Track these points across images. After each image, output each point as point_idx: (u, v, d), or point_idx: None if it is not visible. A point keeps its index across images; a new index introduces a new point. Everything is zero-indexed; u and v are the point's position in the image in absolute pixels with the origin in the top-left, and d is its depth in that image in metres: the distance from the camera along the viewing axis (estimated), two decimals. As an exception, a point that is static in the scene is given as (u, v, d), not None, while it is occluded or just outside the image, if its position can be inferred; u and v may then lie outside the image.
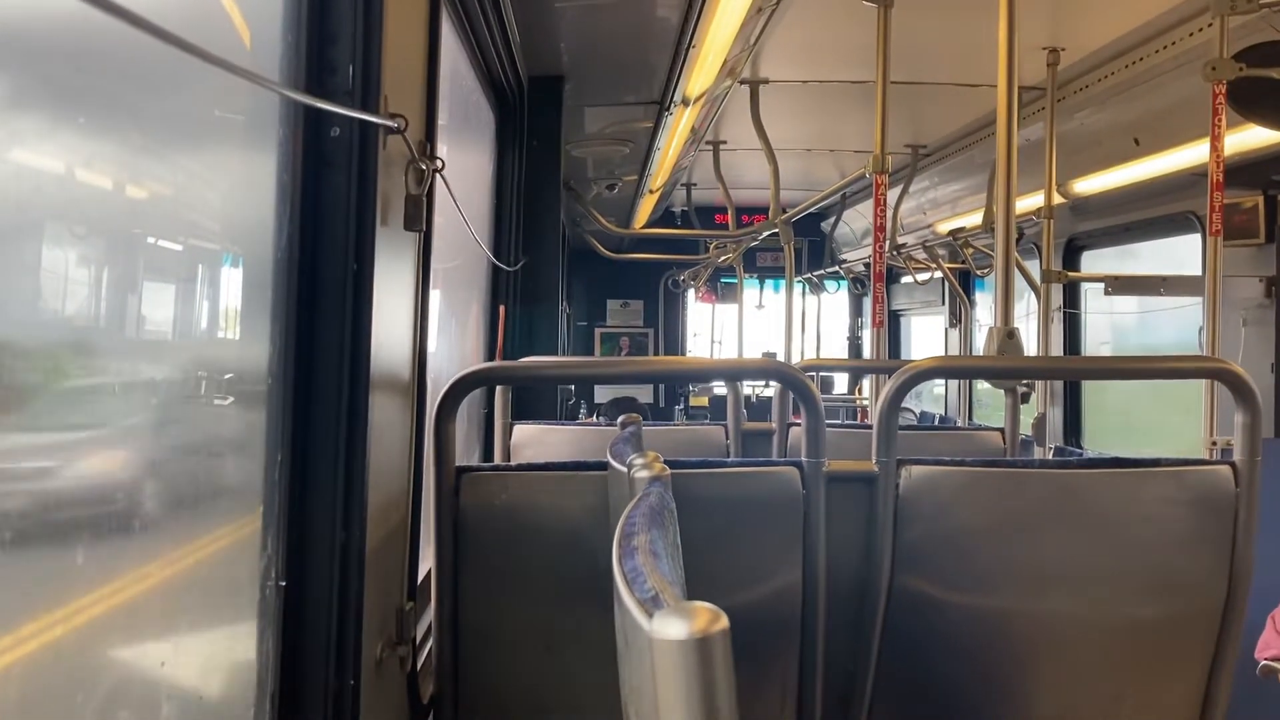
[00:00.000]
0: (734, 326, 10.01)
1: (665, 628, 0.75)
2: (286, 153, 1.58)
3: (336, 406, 1.64)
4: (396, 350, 1.93)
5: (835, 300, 12.73)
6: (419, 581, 2.32)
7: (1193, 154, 4.69)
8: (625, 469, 1.63)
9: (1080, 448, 6.51)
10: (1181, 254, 5.69)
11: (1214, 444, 3.88)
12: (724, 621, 0.74)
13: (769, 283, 12.14)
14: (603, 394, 10.82)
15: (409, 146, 1.82)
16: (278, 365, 1.59)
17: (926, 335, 10.60)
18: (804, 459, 2.28)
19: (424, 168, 1.92)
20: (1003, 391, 3.62)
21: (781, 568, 2.28)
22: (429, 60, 2.10)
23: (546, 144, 4.73)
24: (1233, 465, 2.30)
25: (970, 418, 7.93)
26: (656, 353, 12.54)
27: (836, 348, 12.70)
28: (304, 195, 1.61)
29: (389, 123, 1.68)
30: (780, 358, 7.23)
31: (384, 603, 1.95)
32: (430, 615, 2.28)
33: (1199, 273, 4.89)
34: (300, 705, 1.64)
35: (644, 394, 11.50)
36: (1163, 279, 5.20)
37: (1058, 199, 5.50)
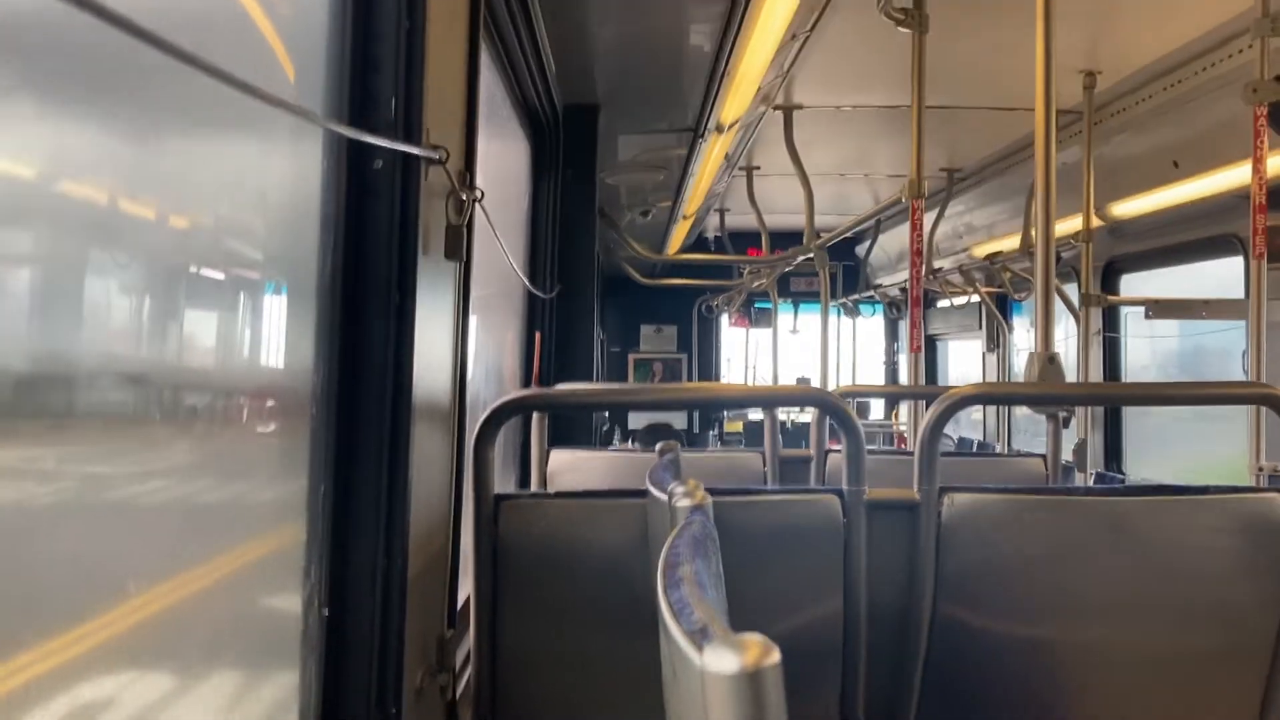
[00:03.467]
0: (768, 352, 9.98)
1: (717, 661, 0.74)
2: (330, 184, 1.60)
3: (379, 434, 1.65)
4: (438, 379, 1.94)
5: (870, 325, 12.67)
6: (459, 606, 2.32)
7: (1234, 176, 4.64)
8: (665, 497, 1.63)
9: (1121, 473, 6.43)
10: (1221, 275, 5.62)
11: (1260, 470, 3.82)
12: (776, 655, 0.74)
13: (803, 307, 12.11)
14: (636, 420, 10.81)
15: (450, 177, 1.84)
16: (322, 393, 1.60)
17: (963, 360, 10.52)
18: (845, 487, 2.26)
19: (464, 198, 1.93)
20: (1040, 417, 3.57)
21: (822, 597, 2.26)
22: (469, 91, 2.12)
23: (581, 172, 4.76)
24: None
25: (1009, 443, 7.86)
26: (690, 378, 12.52)
27: (872, 372, 12.63)
28: (347, 226, 1.62)
29: (431, 154, 1.70)
30: (816, 384, 7.21)
31: (425, 630, 1.95)
32: (468, 643, 2.28)
33: (1241, 295, 4.83)
34: (343, 734, 1.64)
35: (678, 419, 11.48)
36: (1205, 302, 5.14)
37: (1096, 222, 5.46)
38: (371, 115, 1.63)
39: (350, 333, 1.64)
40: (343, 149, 1.62)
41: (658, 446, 2.43)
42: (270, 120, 1.48)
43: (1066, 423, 3.66)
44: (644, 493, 2.15)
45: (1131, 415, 6.51)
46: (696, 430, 12.14)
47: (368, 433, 1.65)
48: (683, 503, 1.50)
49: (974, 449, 8.94)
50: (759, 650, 0.74)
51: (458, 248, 1.89)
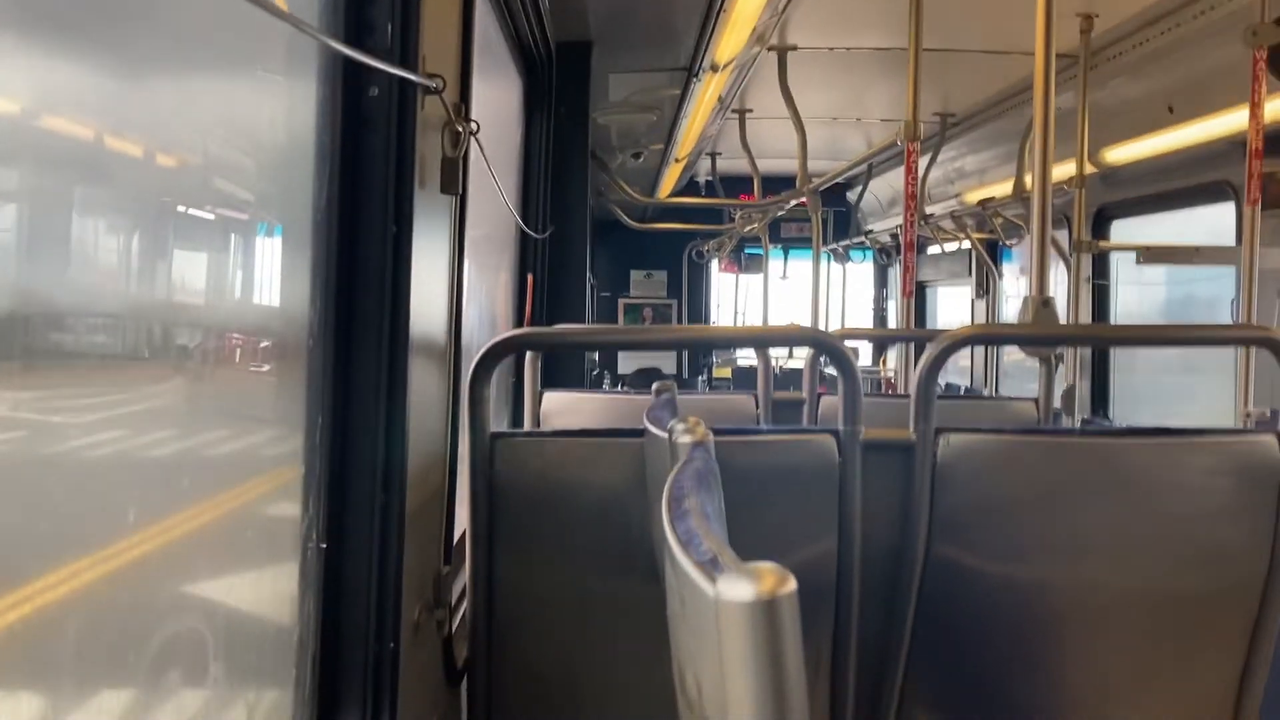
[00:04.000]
0: (758, 298, 9.94)
1: (732, 590, 0.73)
2: (326, 112, 1.57)
3: (376, 368, 1.63)
4: (434, 314, 1.92)
5: (859, 272, 12.65)
6: (455, 543, 2.32)
7: (1229, 121, 4.61)
8: (665, 434, 1.62)
9: (1108, 419, 6.46)
10: (1210, 225, 5.61)
11: (1248, 415, 3.83)
12: (792, 583, 0.73)
13: (793, 253, 12.06)
14: (626, 365, 10.80)
15: (446, 108, 1.80)
16: (318, 327, 1.58)
17: (952, 306, 10.52)
18: (840, 427, 2.26)
19: (460, 130, 1.90)
20: (1028, 363, 3.58)
21: (816, 536, 2.27)
22: (464, 22, 2.08)
23: (574, 111, 4.70)
24: (1278, 435, 2.27)
25: (997, 388, 7.88)
26: (680, 323, 12.50)
27: (861, 319, 12.63)
28: (343, 156, 1.59)
29: (427, 82, 1.66)
30: (806, 328, 7.20)
31: (421, 565, 1.95)
32: (464, 579, 2.28)
33: (1232, 243, 4.82)
34: (340, 668, 1.64)
35: (667, 364, 11.47)
36: (1196, 249, 5.13)
37: (1089, 168, 5.42)
38: (367, 41, 1.60)
39: (346, 265, 1.62)
40: (338, 77, 1.59)
41: (654, 386, 2.42)
42: (265, 48, 1.44)
43: (1056, 367, 3.66)
44: (640, 432, 2.14)
45: (1118, 365, 6.53)
46: (685, 375, 12.14)
47: (365, 367, 1.63)
48: (684, 439, 1.49)
49: (962, 393, 8.98)
50: (775, 579, 0.73)
51: (454, 181, 1.87)
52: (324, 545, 1.60)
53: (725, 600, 0.73)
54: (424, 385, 1.84)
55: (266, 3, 1.17)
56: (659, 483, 1.32)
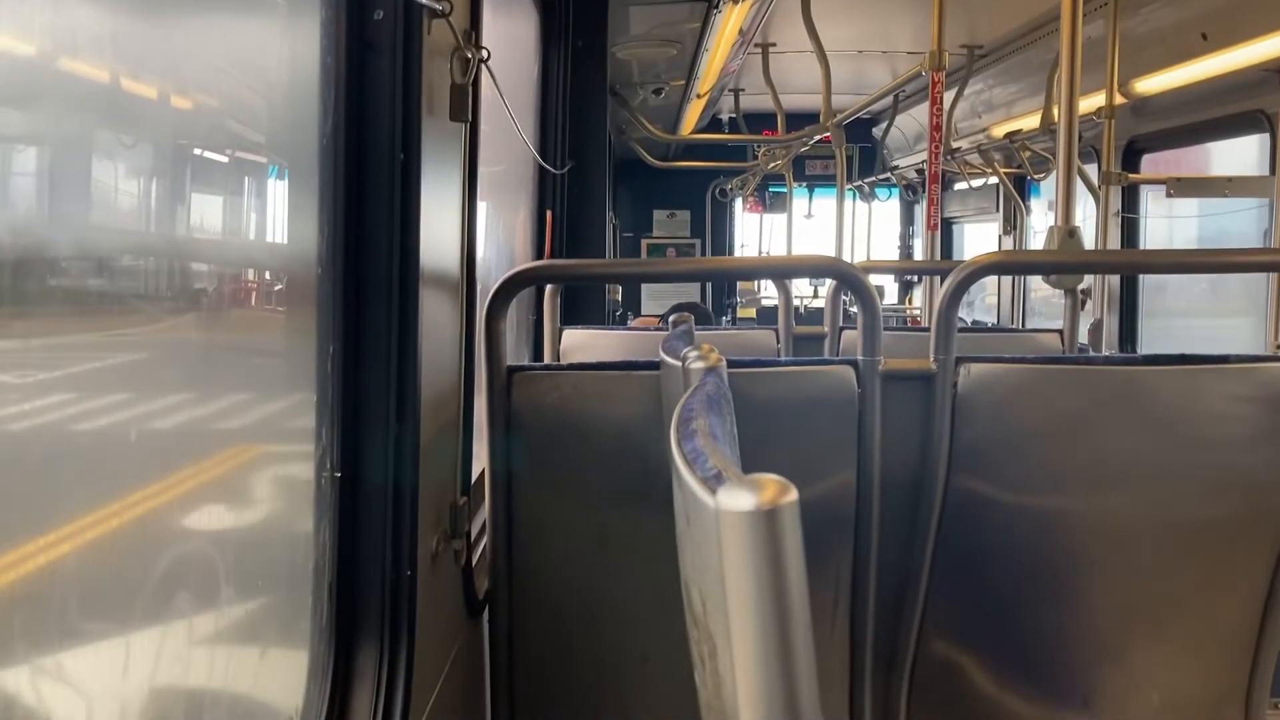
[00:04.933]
0: (782, 237, 9.86)
1: (732, 500, 0.72)
2: (330, 35, 1.54)
3: (388, 297, 1.62)
4: (446, 242, 1.90)
5: (886, 210, 12.51)
6: (474, 479, 2.33)
7: (1265, 48, 4.49)
8: (679, 363, 1.61)
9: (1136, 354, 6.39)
10: (1242, 157, 5.50)
11: (1279, 345, 3.78)
12: (793, 493, 0.71)
13: (817, 191, 11.94)
14: (650, 305, 10.76)
15: (454, 33, 1.77)
16: (326, 255, 1.57)
17: (979, 243, 10.39)
18: (859, 357, 2.24)
19: (470, 56, 1.87)
20: (1055, 299, 3.53)
21: (836, 466, 2.26)
22: (473, -55, 2.04)
23: (592, 44, 4.63)
24: None
25: (1024, 324, 7.81)
26: (703, 262, 12.43)
27: (887, 257, 12.51)
28: (348, 81, 1.57)
29: (434, 4, 1.63)
30: (830, 266, 7.13)
31: (438, 496, 1.95)
32: (485, 513, 2.29)
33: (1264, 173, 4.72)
34: (358, 595, 1.65)
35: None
36: (1228, 180, 5.03)
37: (1119, 99, 5.31)
38: (370, -36, 1.57)
39: (354, 193, 1.60)
40: (342, -1, 1.56)
41: (671, 318, 2.41)
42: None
43: (1083, 303, 3.61)
44: (657, 364, 2.13)
45: (1146, 308, 6.45)
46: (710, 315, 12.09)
47: (375, 296, 1.62)
48: (696, 365, 1.48)
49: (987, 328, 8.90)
50: (776, 488, 0.71)
51: (464, 108, 1.84)
52: (339, 474, 1.60)
53: (725, 510, 0.72)
54: (436, 315, 1.83)
55: None
56: (674, 410, 1.31)
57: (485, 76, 2.10)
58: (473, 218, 2.06)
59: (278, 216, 1.58)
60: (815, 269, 2.56)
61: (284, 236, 1.59)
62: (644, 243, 12.34)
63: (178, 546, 1.33)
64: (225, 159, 1.43)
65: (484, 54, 1.96)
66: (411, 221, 1.63)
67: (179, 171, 1.33)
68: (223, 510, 1.43)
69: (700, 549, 0.87)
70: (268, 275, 1.56)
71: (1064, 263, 2.57)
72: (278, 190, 1.57)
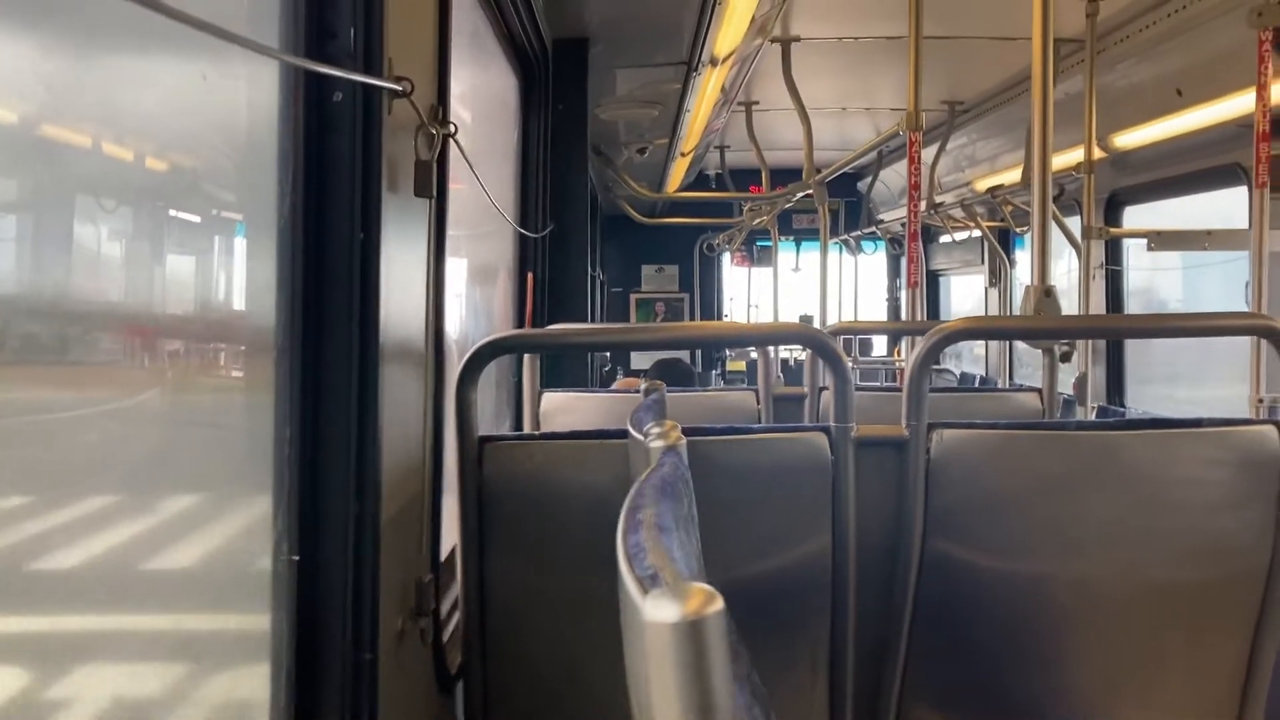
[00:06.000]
0: (770, 290, 9.90)
1: (657, 610, 0.71)
2: (288, 118, 1.55)
3: (347, 378, 1.61)
4: (410, 319, 1.90)
5: (873, 262, 12.57)
6: (445, 553, 2.30)
7: (1238, 104, 4.54)
8: (643, 438, 1.60)
9: (1124, 407, 6.39)
10: (1224, 210, 5.53)
11: (1260, 401, 3.78)
12: (718, 603, 0.70)
13: (805, 245, 12.00)
14: (639, 360, 10.77)
15: (417, 110, 1.78)
16: (284, 338, 1.56)
17: (966, 295, 10.44)
18: (832, 424, 2.23)
19: (434, 132, 1.87)
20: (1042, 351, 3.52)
21: (811, 533, 2.24)
22: (440, 22, 2.05)
23: (572, 107, 4.67)
24: (1278, 425, 2.22)
25: (1011, 378, 7.81)
26: (692, 317, 12.46)
27: (876, 310, 12.55)
28: (307, 161, 1.57)
29: (393, 86, 1.64)
30: (816, 322, 7.16)
31: (404, 574, 1.93)
32: (458, 586, 2.27)
33: (1245, 226, 4.75)
34: (317, 680, 1.62)
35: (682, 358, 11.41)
36: (1208, 233, 5.06)
37: (1098, 153, 5.36)
38: (329, 46, 1.57)
39: (314, 273, 1.59)
40: (300, 82, 1.56)
41: (642, 387, 2.40)
42: (222, 48, 1.42)
43: (1066, 357, 3.60)
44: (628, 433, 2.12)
45: (1135, 350, 6.46)
46: (699, 369, 12.10)
47: (335, 376, 1.61)
48: (655, 444, 1.47)
49: (976, 383, 8.91)
50: (701, 599, 0.70)
51: (428, 184, 1.84)
52: (296, 558, 1.58)
53: (649, 620, 0.71)
54: (399, 392, 1.82)
55: (217, 28, 1.14)
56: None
57: (458, 146, 2.11)
58: (440, 290, 2.06)
59: (234, 299, 1.58)
60: (790, 337, 2.56)
61: (241, 319, 1.58)
62: (633, 297, 12.37)
63: (122, 637, 1.31)
64: (178, 243, 1.42)
65: (451, 128, 1.97)
66: (371, 300, 1.63)
67: (135, 252, 1.32)
68: (171, 599, 1.41)
69: (633, 652, 0.86)
70: (223, 356, 1.56)
71: (1036, 329, 2.57)
72: (234, 272, 1.56)
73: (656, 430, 1.52)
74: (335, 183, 1.59)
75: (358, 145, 1.60)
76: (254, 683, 1.56)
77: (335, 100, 1.58)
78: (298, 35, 1.56)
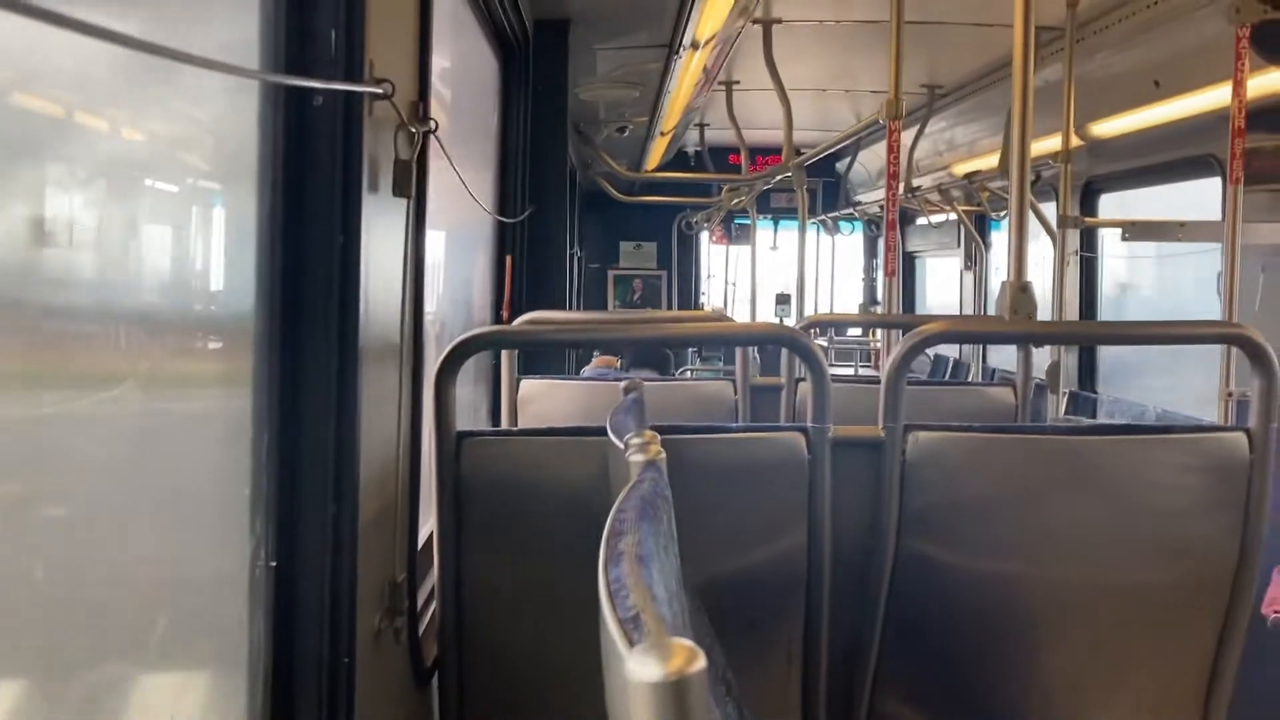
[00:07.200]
0: (748, 268, 9.91)
1: (641, 669, 0.72)
2: (267, 120, 1.53)
3: (325, 381, 1.61)
4: (389, 319, 1.89)
5: (851, 242, 12.59)
6: (420, 546, 2.31)
7: (1214, 97, 4.57)
8: (623, 447, 1.60)
9: (1095, 392, 6.45)
10: (1199, 199, 5.57)
11: (1230, 395, 3.82)
12: (701, 661, 0.71)
13: (783, 223, 12.00)
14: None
15: (398, 111, 1.77)
16: (263, 339, 1.55)
17: (943, 278, 10.47)
18: (809, 424, 2.25)
19: (414, 131, 1.86)
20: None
21: (786, 532, 2.26)
22: (421, 18, 2.03)
23: (553, 89, 4.64)
24: (1247, 432, 2.25)
25: (985, 359, 7.86)
26: (670, 295, 12.45)
27: (853, 290, 12.59)
28: (286, 165, 1.56)
29: (374, 89, 1.63)
30: (793, 303, 7.16)
31: (380, 573, 1.93)
32: (434, 580, 2.27)
33: (1219, 217, 4.79)
34: (293, 682, 1.63)
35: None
36: (1181, 224, 5.09)
37: (1075, 142, 5.38)
38: (309, 51, 1.55)
39: (292, 278, 1.58)
40: (280, 87, 1.55)
41: (622, 385, 2.41)
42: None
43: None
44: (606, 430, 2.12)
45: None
46: (678, 351, 12.09)
47: (314, 380, 1.60)
48: (636, 458, 1.47)
49: (949, 366, 8.96)
50: (685, 657, 0.71)
51: (407, 183, 1.83)
52: (273, 564, 1.58)
53: (633, 680, 0.72)
54: (378, 390, 1.82)
55: (200, 58, 1.13)
56: (620, 489, 1.31)
57: (439, 141, 2.10)
58: (419, 286, 2.05)
59: (213, 302, 1.57)
60: (768, 337, 2.57)
61: (220, 322, 1.57)
62: (610, 274, 12.35)
63: (99, 644, 1.31)
64: (156, 245, 1.41)
65: (431, 125, 1.96)
66: (350, 303, 1.62)
67: (108, 251, 1.31)
68: (147, 608, 1.41)
69: (615, 696, 0.86)
70: (200, 362, 1.54)
71: (1013, 333, 2.59)
72: (211, 274, 1.55)
73: (637, 443, 1.52)
74: (315, 186, 1.58)
75: (338, 148, 1.59)
76: (230, 689, 1.56)
77: (316, 105, 1.57)
78: (277, 39, 1.54)
